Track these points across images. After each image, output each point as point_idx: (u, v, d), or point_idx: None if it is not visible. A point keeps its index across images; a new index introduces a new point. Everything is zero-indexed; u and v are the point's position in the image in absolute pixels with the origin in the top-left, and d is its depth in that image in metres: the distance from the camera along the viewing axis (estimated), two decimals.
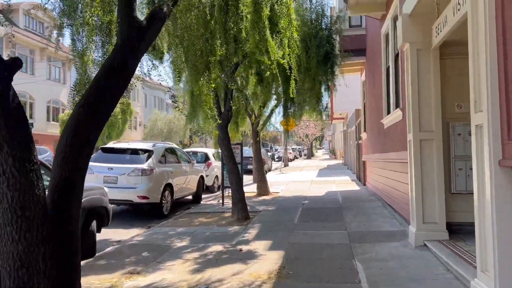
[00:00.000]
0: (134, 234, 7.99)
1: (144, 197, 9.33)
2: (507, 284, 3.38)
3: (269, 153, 40.50)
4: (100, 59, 5.24)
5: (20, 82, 29.66)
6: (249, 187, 15.36)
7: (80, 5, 4.80)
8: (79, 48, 4.83)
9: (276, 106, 13.12)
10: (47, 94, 32.54)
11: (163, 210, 9.88)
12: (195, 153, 16.11)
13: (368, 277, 4.76)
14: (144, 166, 9.49)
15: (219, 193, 12.98)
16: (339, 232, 7.37)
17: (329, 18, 12.15)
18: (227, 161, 8.99)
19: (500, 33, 3.39)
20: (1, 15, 25.38)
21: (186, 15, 5.82)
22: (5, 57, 2.74)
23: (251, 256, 5.92)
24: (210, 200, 12.84)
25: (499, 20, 3.40)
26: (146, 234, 7.78)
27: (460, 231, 6.19)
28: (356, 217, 8.84)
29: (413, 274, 4.78)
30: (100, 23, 4.82)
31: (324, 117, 13.49)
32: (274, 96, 12.92)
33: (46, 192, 2.86)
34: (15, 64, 2.74)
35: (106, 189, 7.09)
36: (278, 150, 47.29)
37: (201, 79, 6.48)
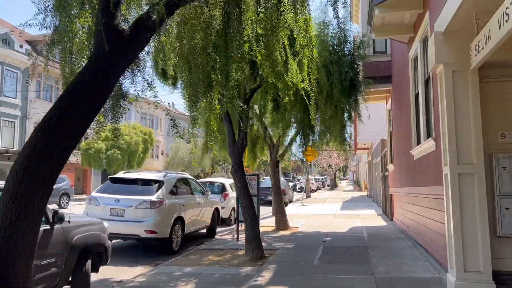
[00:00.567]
0: (138, 273, 7.29)
1: (152, 232, 8.67)
2: None
3: (290, 183, 39.58)
4: None
5: (44, 111, 29.97)
6: (268, 220, 14.55)
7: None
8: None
9: (296, 134, 12.44)
10: None
11: (173, 246, 9.18)
12: (211, 183, 15.47)
13: None
14: (153, 198, 8.88)
15: (235, 226, 12.22)
16: (365, 277, 6.48)
17: (352, 44, 11.57)
18: (241, 194, 8.29)
19: None
20: (30, 47, 25.86)
21: (192, 34, 5.31)
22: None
23: None
24: (225, 234, 12.07)
25: None
26: (149, 275, 7.07)
27: (509, 282, 5.25)
28: (383, 258, 7.91)
29: None
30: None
31: (347, 147, 12.68)
32: (295, 125, 12.29)
33: None
34: None
35: (106, 223, 6.47)
36: (300, 180, 46.21)
37: (213, 106, 5.85)
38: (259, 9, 5.34)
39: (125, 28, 2.83)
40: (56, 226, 5.22)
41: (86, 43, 4.01)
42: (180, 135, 5.59)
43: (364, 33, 11.86)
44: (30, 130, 29.13)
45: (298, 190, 40.00)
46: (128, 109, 5.88)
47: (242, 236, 10.21)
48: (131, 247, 9.95)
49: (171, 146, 46.64)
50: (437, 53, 5.49)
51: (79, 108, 2.59)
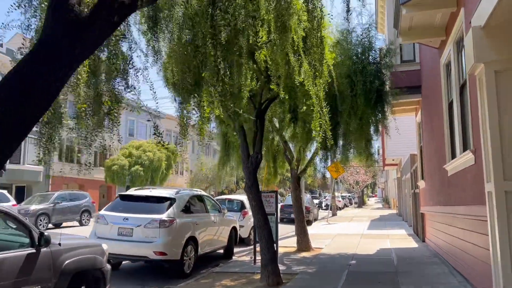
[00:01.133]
0: None
1: (161, 253, 8.06)
2: None
3: (316, 201, 38.49)
4: None
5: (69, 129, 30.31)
6: (290, 240, 13.73)
7: None
8: None
9: (318, 149, 11.66)
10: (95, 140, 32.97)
11: (184, 268, 8.52)
12: (230, 200, 14.82)
13: None
14: (163, 216, 8.30)
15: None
16: None
17: (377, 52, 10.85)
18: (255, 213, 7.61)
19: None
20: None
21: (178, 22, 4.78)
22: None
23: None
24: (243, 255, 11.34)
25: None
26: None
27: None
28: (416, 287, 7.03)
29: None
30: None
31: (374, 163, 11.84)
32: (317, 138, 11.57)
33: None
34: None
35: (104, 245, 5.90)
36: (326, 198, 44.98)
37: (203, 109, 5.27)
38: None
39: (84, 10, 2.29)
40: (44, 249, 4.68)
41: None
42: (162, 144, 5.00)
43: (391, 40, 11.14)
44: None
45: (324, 208, 38.85)
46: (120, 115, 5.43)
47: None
48: (140, 269, 9.36)
49: (195, 163, 46.44)
50: (476, 51, 4.73)
51: (18, 111, 2.05)
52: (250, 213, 13.65)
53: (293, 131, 10.32)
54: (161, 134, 5.03)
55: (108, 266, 5.81)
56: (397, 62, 11.87)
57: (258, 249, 11.25)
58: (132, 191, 9.48)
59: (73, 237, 5.91)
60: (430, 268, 8.77)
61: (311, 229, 19.22)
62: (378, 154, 11.67)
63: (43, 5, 3.93)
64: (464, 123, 6.76)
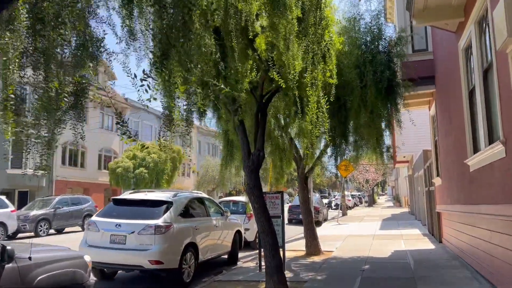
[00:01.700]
0: None
1: (157, 262, 7.41)
2: None
3: (325, 200, 37.68)
4: None
5: (71, 131, 29.82)
6: (298, 243, 13.04)
7: None
8: None
9: (326, 146, 10.92)
10: (99, 142, 32.57)
11: (183, 278, 7.87)
12: (235, 202, 14.16)
13: None
14: (159, 222, 7.65)
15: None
16: None
17: (387, 41, 10.10)
18: (258, 217, 6.92)
19: None
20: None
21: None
22: None
23: None
24: (248, 261, 10.67)
25: None
26: None
27: None
28: None
29: None
30: None
31: (386, 159, 11.07)
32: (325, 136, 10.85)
33: None
34: None
35: (87, 257, 5.26)
36: (336, 197, 44.15)
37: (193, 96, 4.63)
38: None
39: None
40: (9, 265, 4.04)
41: None
42: (129, 136, 4.33)
43: (402, 28, 10.39)
44: (58, 151, 28.95)
45: (334, 207, 38.03)
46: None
47: None
48: (137, 278, 8.73)
49: (202, 164, 45.92)
50: (509, 24, 4.01)
51: None
52: None
53: (299, 127, 9.61)
54: (126, 123, 4.36)
55: (92, 281, 5.17)
56: (408, 51, 11.11)
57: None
58: (126, 195, 8.85)
59: (50, 248, 5.28)
60: (451, 272, 8.02)
61: (320, 230, 18.50)
62: (389, 151, 10.80)
63: None
64: (489, 111, 6.02)
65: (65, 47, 4.29)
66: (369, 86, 9.14)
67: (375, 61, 9.31)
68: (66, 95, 4.18)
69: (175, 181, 37.10)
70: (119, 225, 7.67)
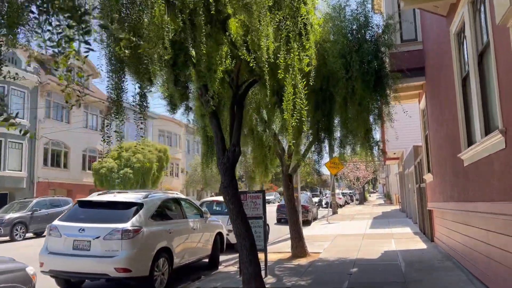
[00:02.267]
0: None
1: (125, 270, 6.74)
2: None
3: (316, 199, 37.13)
4: None
5: (54, 131, 29.06)
6: (285, 244, 12.43)
7: None
8: None
9: (312, 142, 10.28)
10: (83, 142, 31.69)
11: (155, 286, 7.21)
12: (219, 203, 13.48)
13: None
14: (127, 225, 6.97)
15: None
16: None
17: (374, 29, 9.50)
18: (234, 218, 6.29)
19: None
20: (38, 65, 24.89)
21: None
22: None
23: None
24: (230, 264, 10.02)
25: None
26: None
27: None
28: None
29: None
30: None
31: (375, 154, 10.47)
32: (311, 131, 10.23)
33: None
34: None
35: (30, 269, 4.59)
36: (327, 195, 43.63)
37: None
38: None
39: None
40: None
41: None
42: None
43: (389, 15, 9.80)
44: (40, 151, 28.06)
45: (324, 206, 37.49)
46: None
47: None
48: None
49: (190, 163, 45.20)
50: None
51: None
52: None
53: (281, 121, 8.99)
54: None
55: None
56: (396, 41, 10.54)
57: None
58: (93, 196, 8.15)
59: None
60: (445, 275, 7.46)
61: (309, 230, 17.95)
62: (378, 146, 10.17)
63: None
64: (486, 99, 5.45)
65: None
66: (356, 77, 8.52)
67: (361, 50, 8.70)
68: None
69: (162, 181, 36.35)
70: (83, 230, 6.98)
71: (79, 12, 3.26)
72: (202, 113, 7.69)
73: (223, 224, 10.71)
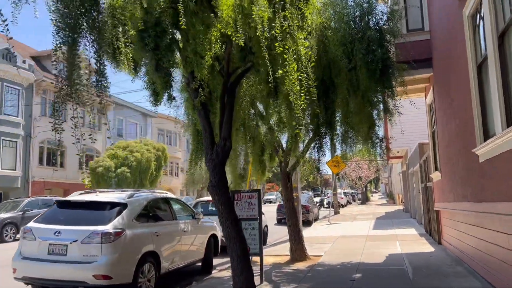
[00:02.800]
0: None
1: (105, 277, 6.11)
2: None
3: (317, 198, 36.47)
4: None
5: (49, 129, 28.34)
6: (284, 247, 11.80)
7: None
8: None
9: (312, 138, 9.59)
10: (81, 141, 31.03)
11: None
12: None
13: None
14: (107, 228, 6.34)
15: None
16: None
17: (379, 16, 8.84)
18: (223, 220, 5.67)
19: None
20: (34, 63, 24.39)
21: None
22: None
23: None
24: (225, 269, 9.37)
25: None
26: None
27: None
28: None
29: None
30: None
31: (379, 152, 9.81)
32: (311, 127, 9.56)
33: None
34: None
35: None
36: (329, 195, 42.98)
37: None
38: None
39: None
40: None
41: None
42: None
43: (395, 0, 9.14)
44: (35, 150, 27.48)
45: (326, 206, 36.84)
46: None
47: None
48: None
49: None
50: None
51: None
52: None
53: (277, 114, 8.35)
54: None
55: None
56: (402, 31, 9.88)
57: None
58: (73, 196, 7.52)
59: None
60: (457, 282, 6.82)
61: (310, 231, 17.31)
62: (383, 141, 9.48)
63: None
64: (507, 85, 4.80)
65: None
66: (360, 67, 7.89)
67: (365, 38, 8.06)
68: None
69: (161, 181, 35.76)
70: (59, 233, 6.36)
71: None
72: (191, 105, 7.06)
73: (217, 226, 10.07)
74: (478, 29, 5.85)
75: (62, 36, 3.96)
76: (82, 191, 7.88)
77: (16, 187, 25.58)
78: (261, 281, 7.39)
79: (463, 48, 6.49)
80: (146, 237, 6.93)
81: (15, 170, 25.67)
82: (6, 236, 16.38)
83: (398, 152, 23.52)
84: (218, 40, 5.61)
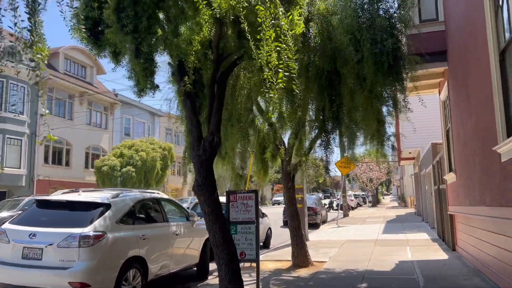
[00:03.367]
0: None
1: (82, 284, 5.55)
2: None
3: (326, 200, 35.70)
4: None
5: (55, 127, 28.13)
6: (287, 251, 11.12)
7: None
8: None
9: (318, 135, 8.88)
10: (86, 140, 30.79)
11: None
12: None
13: None
14: (86, 230, 5.78)
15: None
16: None
17: (389, 2, 8.15)
18: (209, 224, 5.07)
19: None
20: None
21: None
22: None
23: None
24: None
25: None
26: None
27: None
28: None
29: None
30: None
31: (387, 151, 9.11)
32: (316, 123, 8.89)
33: None
34: None
35: None
36: (338, 197, 42.14)
37: None
38: None
39: None
40: None
41: None
42: None
43: None
44: (41, 148, 27.21)
45: (335, 208, 36.02)
46: None
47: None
48: None
49: None
50: None
51: None
52: None
53: (279, 108, 7.72)
54: None
55: None
56: (414, 21, 9.18)
57: (243, 265, 8.92)
58: (54, 195, 6.98)
59: None
60: None
61: (317, 234, 16.64)
62: (390, 142, 8.74)
63: None
64: None
65: None
66: (367, 58, 7.22)
67: (373, 26, 7.39)
68: None
69: (168, 181, 35.32)
70: (34, 235, 5.81)
71: None
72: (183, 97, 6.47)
73: None
74: (501, 10, 5.17)
75: None
76: (66, 190, 7.34)
77: (21, 185, 25.30)
78: None
79: (483, 33, 5.80)
80: (131, 241, 6.36)
81: (19, 168, 25.39)
82: None
83: (410, 153, 22.72)
84: (207, 23, 5.03)
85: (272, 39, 3.76)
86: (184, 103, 5.29)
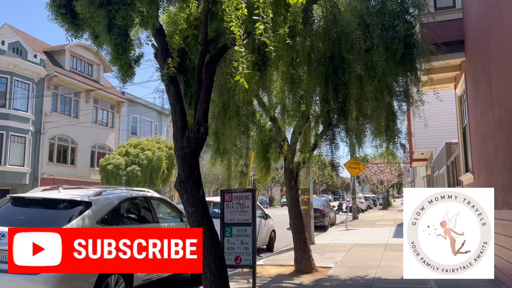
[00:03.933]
0: None
1: None
2: None
3: (335, 203, 34.92)
4: None
5: (60, 125, 27.89)
6: (290, 255, 10.45)
7: None
8: None
9: (323, 131, 8.18)
10: (92, 138, 30.45)
11: None
12: (216, 204, 11.60)
13: None
14: None
15: (238, 270, 8.41)
16: None
17: None
18: (194, 226, 4.42)
19: None
20: (45, 57, 23.62)
21: None
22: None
23: None
24: None
25: None
26: None
27: None
28: None
29: None
30: None
31: (398, 149, 8.40)
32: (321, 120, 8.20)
33: None
34: None
35: None
36: (348, 199, 41.28)
37: None
38: None
39: None
40: None
41: None
42: None
43: None
44: (45, 146, 26.92)
45: (345, 210, 35.22)
46: None
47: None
48: None
49: (205, 163, 43.55)
50: None
51: None
52: None
53: (280, 100, 7.08)
54: None
55: None
56: (429, 9, 8.48)
57: (241, 271, 8.34)
58: (33, 192, 6.44)
59: None
60: None
61: (324, 237, 15.96)
62: (400, 139, 7.99)
63: None
64: None
65: None
66: (377, 45, 6.53)
67: (384, 10, 6.72)
68: None
69: (173, 181, 34.84)
70: (3, 236, 5.25)
71: None
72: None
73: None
74: None
75: None
76: (47, 187, 6.79)
77: (24, 183, 24.98)
78: None
79: (508, 17, 5.11)
80: None
81: (23, 166, 25.08)
82: None
83: (422, 154, 21.88)
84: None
85: None
86: (167, 88, 4.69)
